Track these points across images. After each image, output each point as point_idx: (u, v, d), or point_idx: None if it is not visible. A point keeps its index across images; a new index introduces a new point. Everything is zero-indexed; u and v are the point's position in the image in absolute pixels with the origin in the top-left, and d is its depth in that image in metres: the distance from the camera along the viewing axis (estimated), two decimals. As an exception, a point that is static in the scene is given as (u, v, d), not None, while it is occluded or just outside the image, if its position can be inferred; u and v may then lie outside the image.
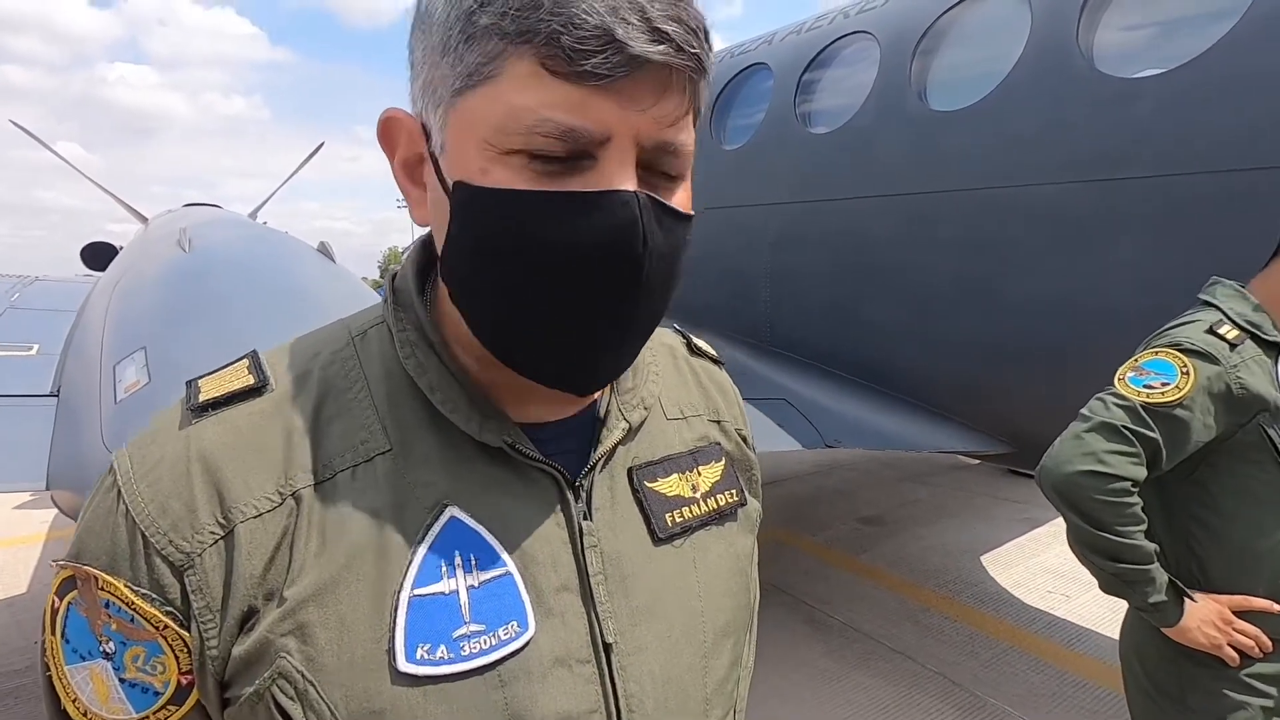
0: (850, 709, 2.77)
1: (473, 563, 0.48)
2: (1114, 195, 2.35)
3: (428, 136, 0.48)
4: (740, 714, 0.61)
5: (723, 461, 0.63)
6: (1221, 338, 1.33)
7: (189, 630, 0.46)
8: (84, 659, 0.47)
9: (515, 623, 0.48)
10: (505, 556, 0.49)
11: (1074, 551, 1.39)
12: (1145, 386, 1.33)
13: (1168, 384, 1.31)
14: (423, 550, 0.47)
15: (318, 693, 0.44)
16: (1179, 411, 1.29)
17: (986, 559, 4.14)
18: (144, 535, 0.46)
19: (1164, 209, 2.25)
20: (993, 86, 2.71)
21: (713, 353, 0.73)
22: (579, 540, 0.52)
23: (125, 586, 0.45)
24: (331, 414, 0.51)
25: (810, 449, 2.89)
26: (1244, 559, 1.35)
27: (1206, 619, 1.32)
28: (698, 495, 0.59)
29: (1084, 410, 1.38)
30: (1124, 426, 1.30)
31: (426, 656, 0.45)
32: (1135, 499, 1.30)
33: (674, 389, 0.64)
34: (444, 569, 0.48)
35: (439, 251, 0.49)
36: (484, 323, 0.48)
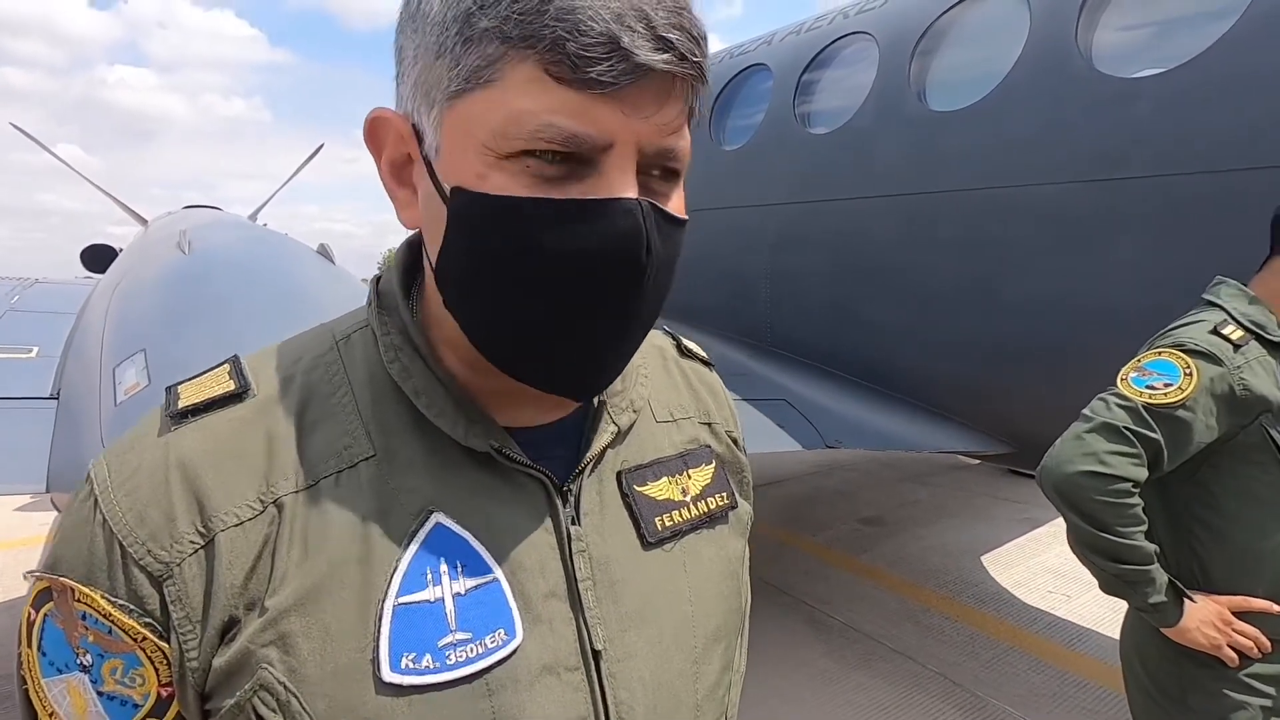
0: (851, 709, 2.77)
1: (459, 569, 0.48)
2: (1113, 195, 2.35)
3: (419, 138, 0.47)
4: None
5: (713, 464, 0.62)
6: (1226, 338, 1.33)
7: (168, 642, 0.45)
8: (61, 672, 0.46)
9: (502, 630, 0.47)
10: (492, 563, 0.49)
11: (1074, 552, 1.39)
12: (1148, 387, 1.32)
13: (1170, 385, 1.30)
14: (408, 557, 0.47)
15: (300, 704, 0.43)
16: (1181, 413, 1.28)
17: (987, 559, 4.14)
18: (121, 545, 0.45)
19: (1163, 209, 2.25)
20: (992, 87, 2.71)
21: (702, 354, 0.72)
22: (567, 546, 0.51)
23: (102, 598, 0.45)
24: (314, 419, 0.50)
25: (810, 449, 2.88)
26: (1245, 560, 1.35)
27: (1206, 619, 1.32)
28: (688, 499, 0.59)
29: (1086, 410, 1.37)
30: (1125, 427, 1.29)
31: (411, 666, 0.44)
32: (1136, 500, 1.29)
33: (663, 391, 0.64)
34: (429, 576, 0.47)
35: (431, 256, 0.48)
36: (481, 328, 0.48)
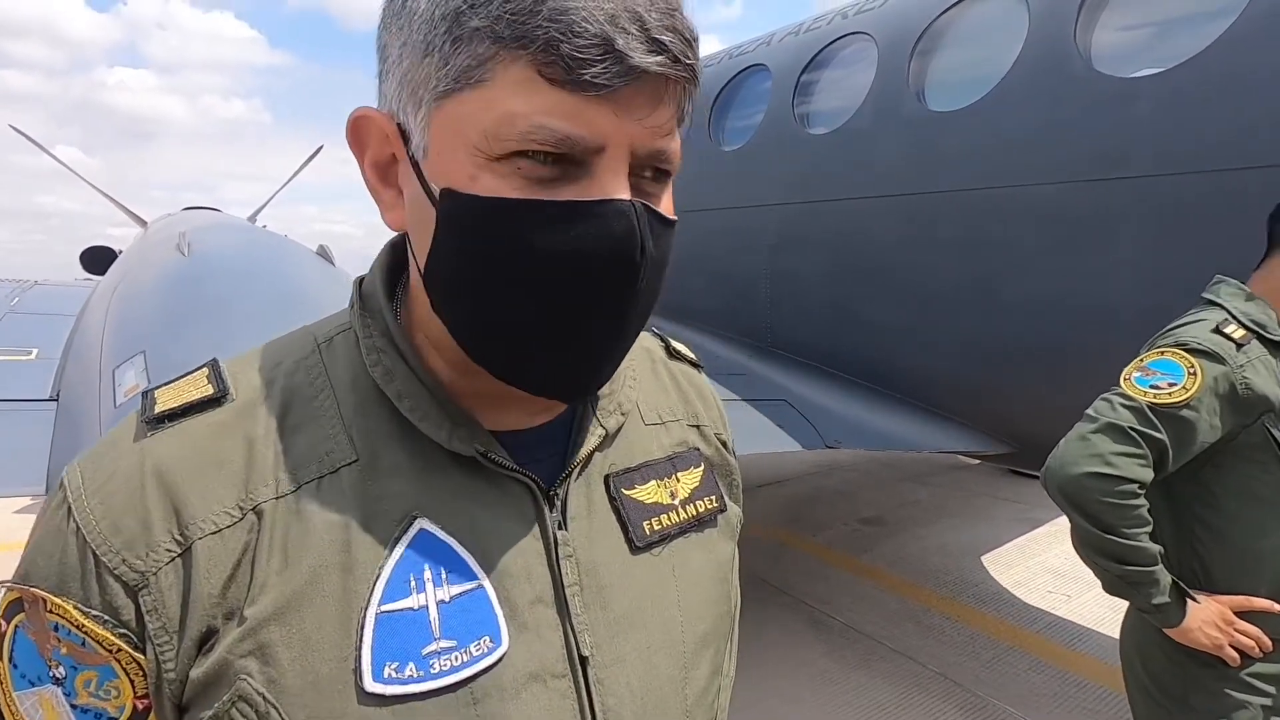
0: (851, 710, 2.77)
1: (443, 576, 0.47)
2: (1113, 195, 2.35)
3: (405, 138, 0.46)
4: None
5: (702, 467, 0.62)
6: (1228, 337, 1.32)
7: (144, 653, 0.44)
8: (33, 685, 0.45)
9: (488, 638, 0.47)
10: (477, 569, 0.48)
11: (1079, 553, 1.38)
12: (1152, 387, 1.31)
13: (1175, 384, 1.30)
14: (391, 564, 0.46)
15: (280, 715, 0.42)
16: (1186, 412, 1.28)
17: (987, 559, 4.13)
18: (95, 554, 0.43)
19: (1163, 208, 2.25)
20: (991, 87, 2.71)
21: (691, 356, 0.72)
22: (554, 551, 0.50)
23: (75, 608, 0.43)
24: (295, 424, 0.49)
25: (810, 449, 2.88)
26: (1246, 560, 1.35)
27: (1208, 620, 1.32)
28: (676, 502, 0.58)
29: (1089, 411, 1.36)
30: (1131, 428, 1.28)
31: (395, 675, 0.44)
32: (1142, 501, 1.29)
33: (652, 393, 0.63)
34: (413, 583, 0.46)
35: (419, 257, 0.47)
36: (471, 330, 0.47)
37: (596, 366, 0.49)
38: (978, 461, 5.04)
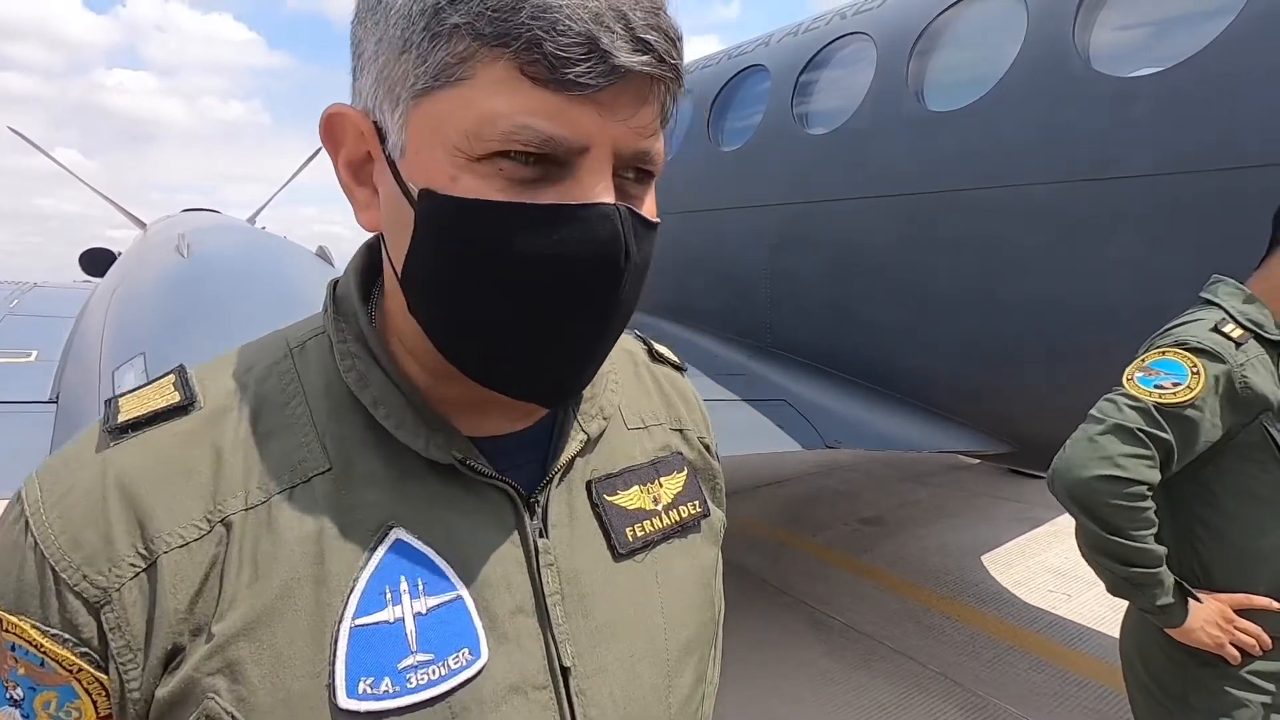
0: (852, 710, 2.76)
1: (420, 587, 0.45)
2: (1112, 194, 2.35)
3: (381, 136, 0.45)
4: None
5: (685, 472, 0.61)
6: (1227, 336, 1.32)
7: (107, 672, 0.42)
8: None
9: (467, 650, 0.45)
10: (455, 579, 0.47)
11: (1083, 554, 1.37)
12: (1156, 387, 1.30)
13: (1179, 384, 1.29)
14: (365, 576, 0.45)
15: None
16: (1190, 412, 1.27)
17: (987, 559, 4.13)
18: (54, 570, 0.42)
19: (1162, 208, 2.25)
20: (990, 86, 2.71)
21: (674, 359, 0.71)
22: (535, 559, 0.49)
23: (33, 627, 0.42)
24: (266, 432, 0.47)
25: (810, 449, 2.88)
26: (1244, 559, 1.35)
27: (1209, 619, 1.31)
28: (659, 508, 0.57)
29: (1094, 412, 1.36)
30: (1139, 429, 1.28)
31: (369, 691, 0.42)
32: (1150, 503, 1.28)
33: (634, 397, 0.62)
34: (389, 595, 0.45)
35: (395, 259, 0.46)
36: (451, 334, 0.46)
37: (578, 370, 0.48)
38: (978, 461, 5.04)
